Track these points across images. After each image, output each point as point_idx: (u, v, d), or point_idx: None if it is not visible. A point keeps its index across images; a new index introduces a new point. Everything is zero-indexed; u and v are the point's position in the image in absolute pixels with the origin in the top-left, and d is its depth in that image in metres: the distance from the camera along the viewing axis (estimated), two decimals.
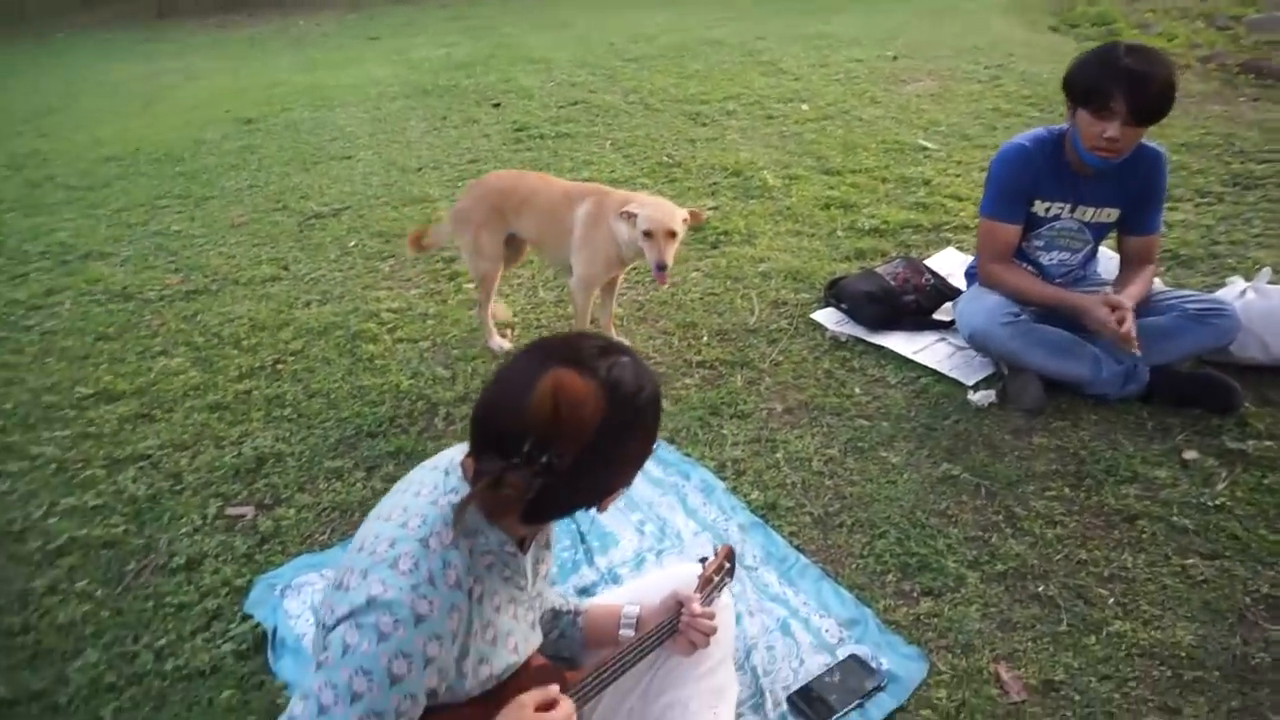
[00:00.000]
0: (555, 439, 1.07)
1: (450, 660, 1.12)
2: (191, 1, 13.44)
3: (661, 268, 2.57)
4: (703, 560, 1.60)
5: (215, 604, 2.08)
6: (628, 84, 6.57)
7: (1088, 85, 2.35)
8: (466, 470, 1.19)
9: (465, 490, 1.17)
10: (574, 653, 1.57)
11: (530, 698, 1.21)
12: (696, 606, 1.49)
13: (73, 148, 6.24)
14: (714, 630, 1.49)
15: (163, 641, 1.98)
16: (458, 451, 1.23)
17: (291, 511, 2.36)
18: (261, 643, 1.95)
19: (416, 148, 5.48)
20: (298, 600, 2.04)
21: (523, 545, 1.25)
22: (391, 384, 2.90)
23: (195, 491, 2.48)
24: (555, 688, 1.25)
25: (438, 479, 1.21)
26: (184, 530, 2.33)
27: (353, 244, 4.10)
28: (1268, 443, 2.34)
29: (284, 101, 6.97)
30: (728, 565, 1.62)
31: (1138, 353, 2.39)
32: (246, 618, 2.02)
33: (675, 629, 1.49)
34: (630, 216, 2.60)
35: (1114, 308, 2.39)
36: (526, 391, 1.07)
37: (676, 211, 2.61)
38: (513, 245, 3.02)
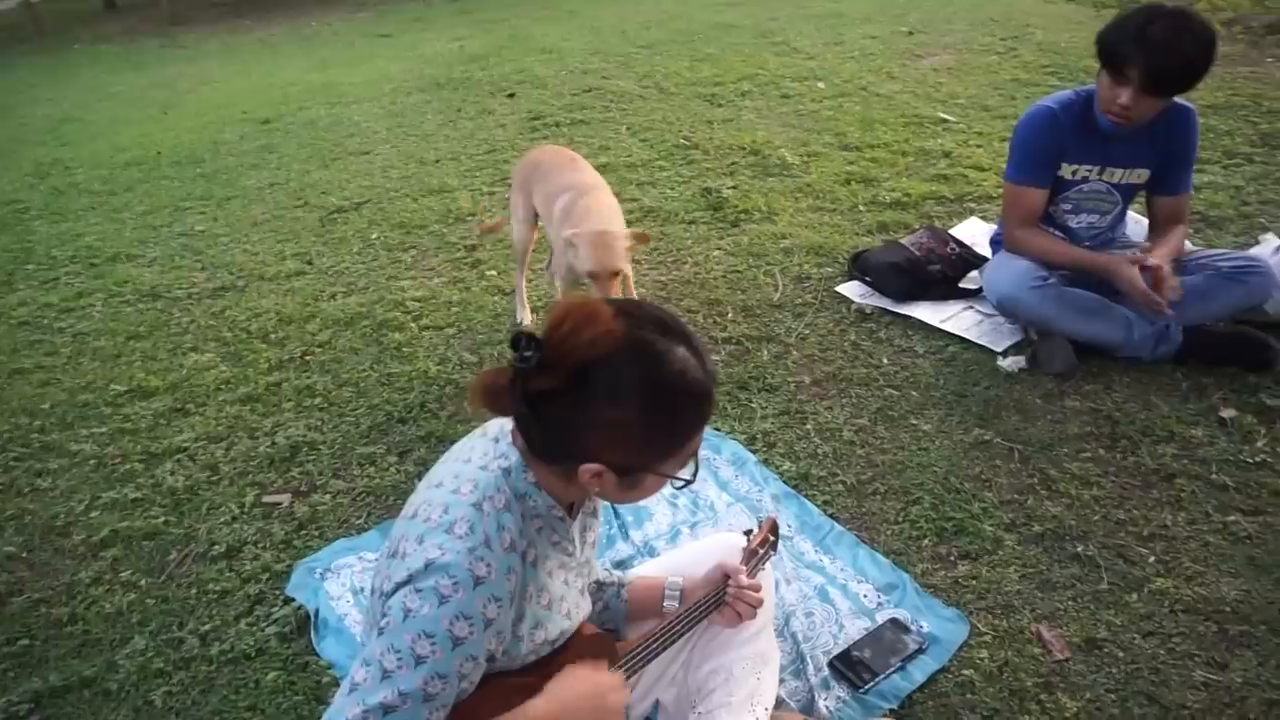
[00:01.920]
0: (551, 346, 1.05)
1: (508, 622, 1.13)
2: (202, 8, 13.54)
3: None
4: (747, 533, 1.60)
5: (257, 589, 2.10)
6: (641, 70, 6.54)
7: (1109, 46, 2.31)
8: (515, 439, 1.19)
9: (515, 456, 1.17)
10: (617, 624, 1.58)
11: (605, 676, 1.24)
12: (744, 579, 1.48)
13: (94, 154, 6.30)
14: (760, 602, 1.49)
15: (207, 627, 2.01)
16: (508, 421, 1.23)
17: (327, 497, 2.39)
18: (304, 624, 1.97)
19: (433, 140, 5.49)
20: (337, 582, 2.07)
21: (571, 511, 1.26)
22: (419, 370, 2.92)
23: (232, 481, 2.51)
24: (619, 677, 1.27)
25: (488, 446, 1.21)
26: (222, 519, 2.36)
27: (375, 236, 4.12)
28: None
29: (300, 101, 7.00)
30: (772, 538, 1.62)
31: (1168, 313, 2.36)
32: (288, 601, 2.05)
33: (721, 601, 1.49)
34: (573, 246, 2.52)
35: (1143, 267, 2.36)
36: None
37: (618, 245, 2.50)
38: None
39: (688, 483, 1.18)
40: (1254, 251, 2.67)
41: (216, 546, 2.25)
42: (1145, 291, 2.31)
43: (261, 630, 1.97)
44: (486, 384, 1.12)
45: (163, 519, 2.39)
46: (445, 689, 1.05)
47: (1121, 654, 1.70)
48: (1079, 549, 1.95)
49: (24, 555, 2.33)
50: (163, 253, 4.30)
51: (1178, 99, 2.44)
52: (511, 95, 6.26)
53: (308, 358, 3.11)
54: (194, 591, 2.13)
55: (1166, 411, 2.34)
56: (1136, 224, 2.92)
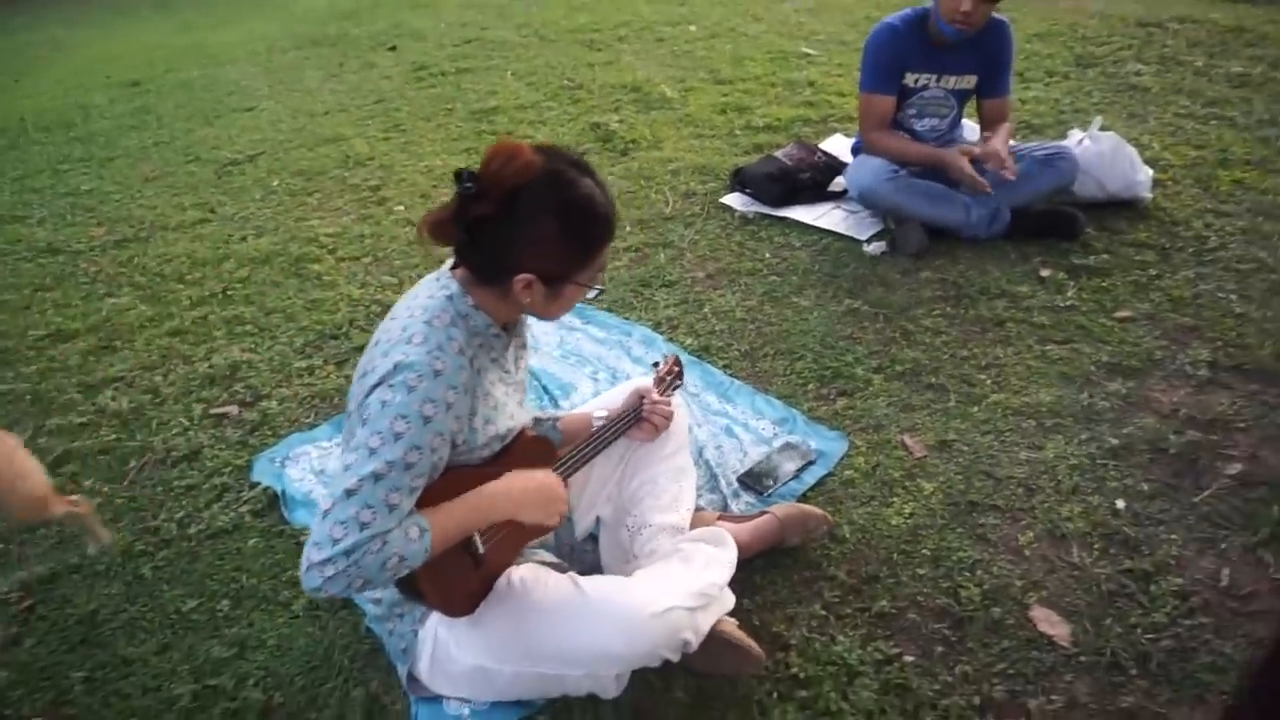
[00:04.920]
0: (485, 177, 1.32)
1: (465, 409, 1.40)
2: None
3: None
4: (655, 365, 1.92)
5: (222, 480, 2.30)
6: (518, 19, 6.71)
7: None
8: (455, 274, 1.46)
9: (455, 286, 1.44)
10: None
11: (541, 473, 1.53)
12: (655, 394, 1.81)
13: None
14: (671, 414, 1.81)
15: (180, 514, 2.20)
16: (449, 264, 1.50)
17: (274, 403, 2.58)
18: (274, 502, 2.19)
19: (319, 94, 5.54)
20: (298, 468, 2.28)
21: (506, 331, 1.54)
22: (343, 294, 3.11)
23: (176, 400, 2.66)
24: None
25: (430, 283, 1.48)
26: (175, 431, 2.52)
27: (275, 184, 4.21)
28: (1105, 256, 2.82)
29: (168, 63, 6.84)
30: (677, 369, 1.95)
31: (990, 191, 2.82)
32: (254, 485, 2.25)
33: (639, 416, 1.80)
34: None
35: (974, 157, 2.80)
36: None
37: None
38: None
39: (601, 292, 1.49)
40: (1062, 143, 3.15)
41: (174, 453, 2.42)
42: (971, 175, 2.77)
43: (235, 510, 2.18)
44: (433, 219, 1.38)
45: (114, 436, 2.53)
46: (421, 459, 1.32)
47: (966, 448, 2.12)
48: (932, 380, 2.37)
49: None
50: (50, 212, 4.26)
51: (995, 14, 2.88)
52: (393, 48, 6.33)
53: (229, 292, 3.25)
54: (160, 490, 2.30)
55: (999, 275, 2.80)
56: (972, 131, 3.38)
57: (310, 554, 1.26)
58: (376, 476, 1.28)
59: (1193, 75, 4.28)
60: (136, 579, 2.02)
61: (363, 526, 1.26)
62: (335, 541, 1.25)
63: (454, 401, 1.36)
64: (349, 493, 1.27)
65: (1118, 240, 2.91)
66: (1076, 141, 3.16)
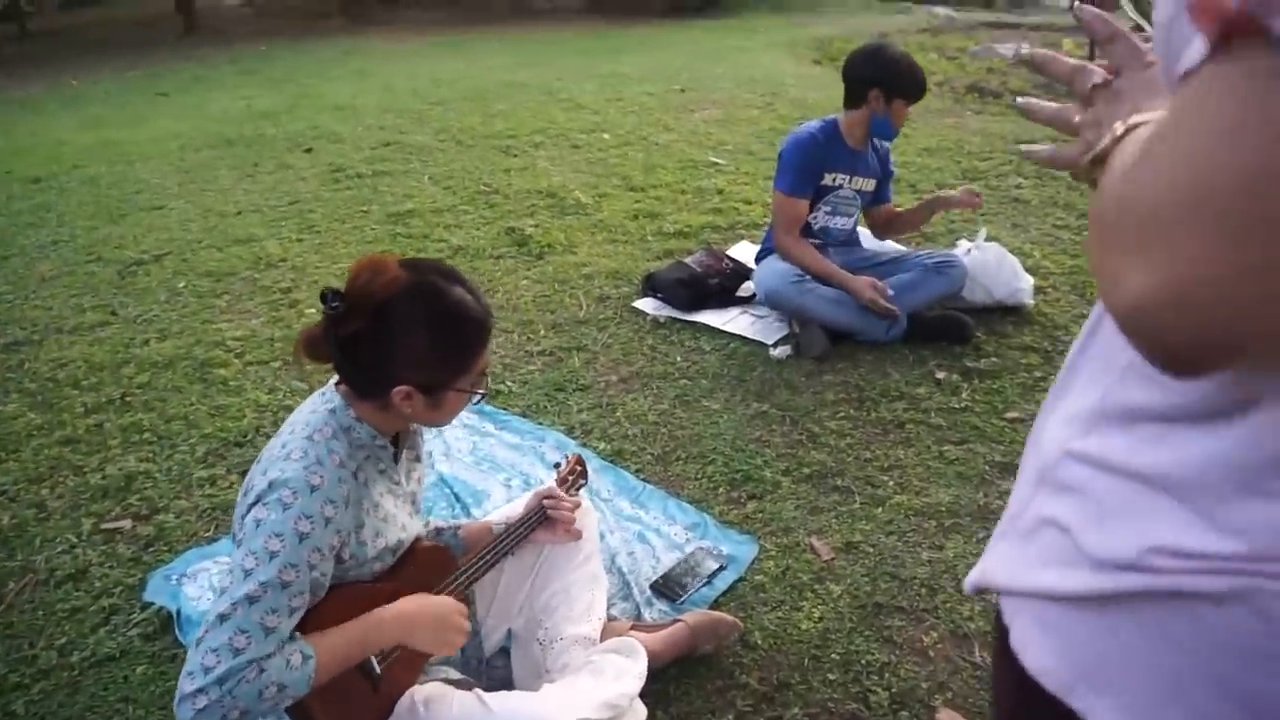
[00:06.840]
0: (352, 295, 1.34)
1: (347, 523, 1.38)
2: None
3: None
4: (556, 465, 1.94)
5: (111, 602, 2.17)
6: (436, 124, 6.85)
7: (913, 82, 3.03)
8: (339, 388, 1.47)
9: (338, 400, 1.44)
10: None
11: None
12: (558, 491, 1.81)
13: None
14: (577, 504, 1.81)
15: (62, 640, 2.06)
16: (334, 379, 1.50)
17: (171, 516, 2.47)
18: (167, 624, 2.08)
19: (232, 194, 5.50)
20: (196, 585, 2.18)
21: (395, 443, 1.53)
22: (250, 400, 3.04)
23: (64, 515, 2.52)
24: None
25: (315, 398, 1.48)
26: (60, 549, 2.38)
27: (182, 285, 4.13)
28: (994, 359, 2.99)
29: (74, 160, 6.69)
30: (580, 468, 1.97)
31: (897, 314, 3.00)
32: (147, 606, 2.14)
33: (542, 518, 1.78)
34: None
35: (876, 288, 3.01)
36: None
37: None
38: None
39: (483, 396, 1.51)
40: (952, 252, 3.38)
41: (59, 572, 2.28)
42: (883, 306, 3.00)
43: (123, 634, 2.06)
44: (307, 337, 1.40)
45: None
46: (298, 577, 1.29)
47: (871, 549, 2.18)
48: (838, 482, 2.44)
49: None
50: None
51: None
52: (309, 150, 6.36)
53: (128, 399, 3.13)
54: (40, 614, 2.16)
55: (898, 378, 2.93)
56: (867, 238, 3.59)
57: (183, 684, 1.21)
58: (250, 599, 1.25)
59: (1066, 189, 4.65)
60: (7, 715, 1.88)
61: (236, 653, 1.22)
62: (208, 670, 1.20)
63: (333, 516, 1.34)
64: (222, 618, 1.24)
65: (1005, 344, 3.10)
66: (964, 251, 3.39)
